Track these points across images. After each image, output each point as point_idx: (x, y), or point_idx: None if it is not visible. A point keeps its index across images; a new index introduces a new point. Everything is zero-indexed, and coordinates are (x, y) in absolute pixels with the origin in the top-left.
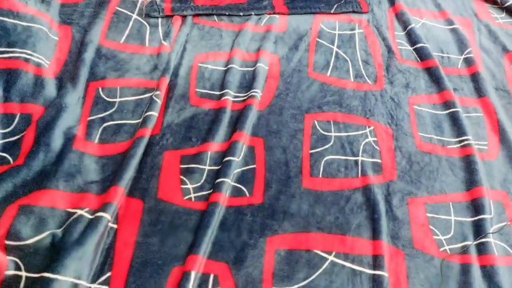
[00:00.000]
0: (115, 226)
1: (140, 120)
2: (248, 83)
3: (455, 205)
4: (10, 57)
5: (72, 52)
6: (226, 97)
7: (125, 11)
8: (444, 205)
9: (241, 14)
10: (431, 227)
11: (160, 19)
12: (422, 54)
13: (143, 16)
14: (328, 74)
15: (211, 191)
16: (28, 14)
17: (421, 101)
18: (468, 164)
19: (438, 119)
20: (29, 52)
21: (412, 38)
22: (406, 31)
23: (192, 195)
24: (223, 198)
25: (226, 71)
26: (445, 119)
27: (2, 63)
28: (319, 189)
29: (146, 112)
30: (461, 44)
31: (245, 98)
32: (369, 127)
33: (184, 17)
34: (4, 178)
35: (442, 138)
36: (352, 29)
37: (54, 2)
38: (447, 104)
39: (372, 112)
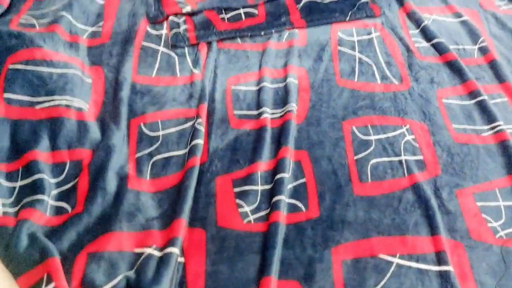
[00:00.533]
0: (182, 259)
1: (186, 150)
2: (282, 99)
3: (501, 190)
4: (51, 106)
5: (108, 92)
6: (264, 116)
7: (151, 45)
8: (491, 192)
9: (262, 33)
10: (483, 215)
11: (186, 48)
12: (439, 49)
13: (170, 47)
14: (356, 79)
15: (268, 210)
16: (61, 61)
17: (448, 94)
18: (505, 149)
19: (468, 109)
20: (68, 98)
21: (427, 34)
22: (420, 29)
23: (251, 217)
24: (282, 216)
25: (259, 90)
26: (474, 109)
27: (45, 112)
28: (370, 194)
29: (191, 141)
30: (473, 35)
31: (283, 113)
32: (405, 125)
33: (209, 43)
34: (67, 228)
35: (475, 127)
36: (369, 33)
37: (82, 45)
38: (473, 94)
39: (405, 111)
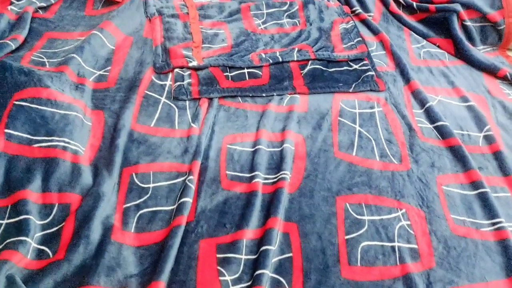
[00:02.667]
0: None
1: (174, 207)
2: (276, 164)
3: None
4: (49, 146)
5: (105, 138)
6: (256, 180)
7: (154, 94)
8: None
9: (264, 95)
10: None
11: (187, 102)
12: (443, 132)
13: (172, 99)
14: (354, 153)
15: (250, 283)
16: (65, 102)
17: (449, 181)
18: (505, 248)
19: (468, 200)
20: (67, 140)
21: (431, 116)
22: (424, 109)
23: None
24: None
25: (254, 152)
26: (474, 200)
27: (42, 152)
28: (359, 279)
29: (180, 198)
30: (479, 121)
31: (275, 180)
32: (400, 209)
33: (210, 99)
34: (45, 274)
35: (475, 221)
36: (372, 107)
37: (87, 88)
38: (475, 184)
39: (402, 193)
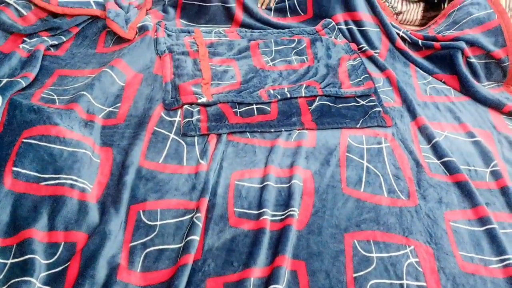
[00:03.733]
0: None
1: (181, 245)
2: (284, 200)
3: None
4: (56, 184)
5: (113, 175)
6: (264, 217)
7: (163, 131)
8: None
9: (272, 130)
10: None
11: (196, 138)
12: (450, 168)
13: (180, 135)
14: (362, 190)
15: None
16: (73, 140)
17: (457, 217)
18: None
19: (476, 236)
20: (74, 178)
21: (438, 151)
22: (431, 145)
23: None
24: None
25: (262, 189)
26: (482, 236)
27: (49, 190)
28: None
29: (187, 236)
30: (486, 157)
31: (283, 217)
32: (409, 246)
33: (219, 135)
34: None
35: (483, 257)
36: (379, 143)
37: (97, 125)
38: (483, 220)
39: (410, 230)
